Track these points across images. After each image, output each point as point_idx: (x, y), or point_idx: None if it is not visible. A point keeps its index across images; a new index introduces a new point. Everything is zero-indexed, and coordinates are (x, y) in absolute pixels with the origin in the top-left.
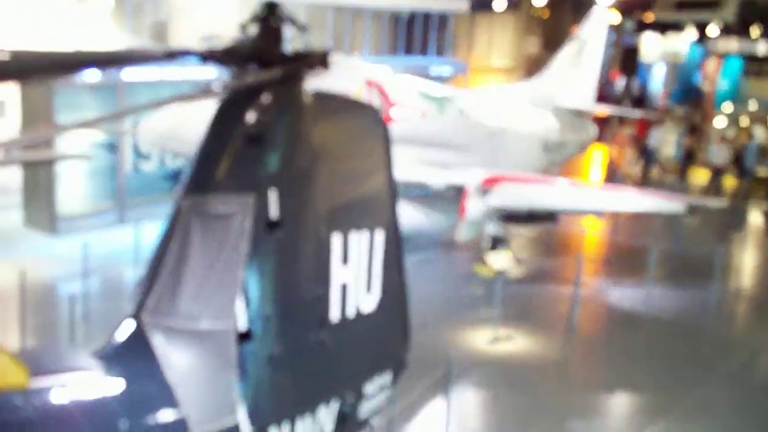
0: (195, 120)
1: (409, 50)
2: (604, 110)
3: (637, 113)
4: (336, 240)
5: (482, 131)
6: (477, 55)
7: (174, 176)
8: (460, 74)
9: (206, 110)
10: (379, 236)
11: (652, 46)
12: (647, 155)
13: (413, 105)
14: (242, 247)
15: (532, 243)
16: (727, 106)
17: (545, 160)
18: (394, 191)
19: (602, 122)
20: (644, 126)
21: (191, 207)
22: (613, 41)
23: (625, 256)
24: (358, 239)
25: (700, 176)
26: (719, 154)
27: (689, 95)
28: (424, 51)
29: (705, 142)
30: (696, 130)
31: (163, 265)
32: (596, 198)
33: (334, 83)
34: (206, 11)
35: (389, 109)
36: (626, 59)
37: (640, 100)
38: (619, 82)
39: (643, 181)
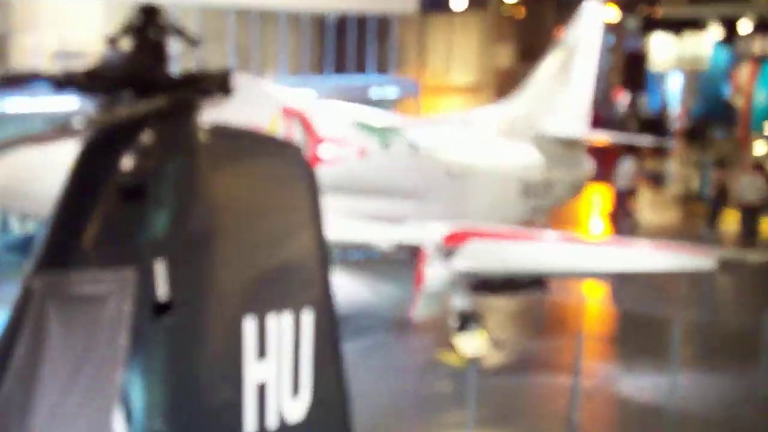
0: (50, 168)
1: (340, 67)
2: (604, 138)
3: (647, 140)
4: (249, 326)
5: (441, 172)
6: (432, 70)
7: (21, 246)
8: (410, 97)
9: (65, 155)
10: (308, 318)
11: (664, 51)
12: (618, 198)
13: (348, 140)
14: (120, 340)
15: (515, 319)
16: None
17: (527, 207)
18: (325, 256)
19: (602, 154)
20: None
21: (47, 287)
22: (612, 46)
23: (640, 333)
24: (280, 324)
25: (732, 219)
26: (752, 188)
27: (716, 113)
28: (360, 67)
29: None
30: (724, 162)
31: (7, 373)
32: (598, 255)
33: (239, 114)
34: (61, 19)
35: (316, 147)
36: (631, 69)
37: (652, 123)
38: (623, 100)
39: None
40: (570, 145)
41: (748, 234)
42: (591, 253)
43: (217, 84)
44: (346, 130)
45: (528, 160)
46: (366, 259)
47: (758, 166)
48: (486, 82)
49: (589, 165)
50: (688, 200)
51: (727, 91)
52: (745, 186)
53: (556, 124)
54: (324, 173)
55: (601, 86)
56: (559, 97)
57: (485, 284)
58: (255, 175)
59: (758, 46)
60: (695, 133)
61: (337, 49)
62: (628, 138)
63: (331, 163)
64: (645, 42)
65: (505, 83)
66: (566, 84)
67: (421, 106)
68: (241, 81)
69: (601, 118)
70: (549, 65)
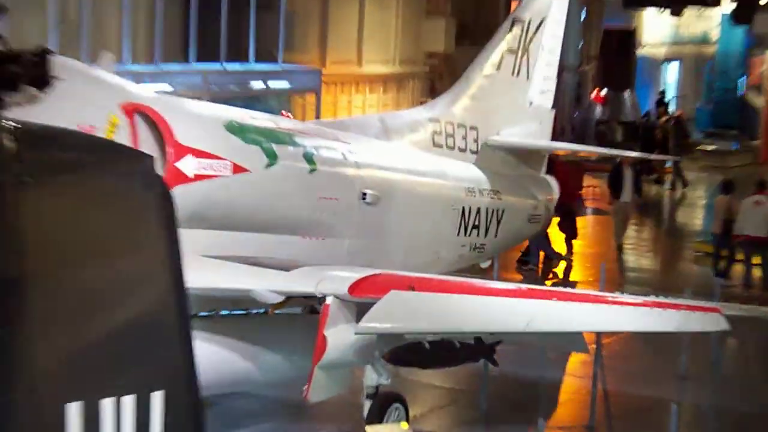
0: None
1: (209, 52)
2: (570, 149)
3: (633, 154)
4: (74, 416)
5: (350, 197)
6: (337, 55)
7: None
8: (308, 92)
9: None
10: (158, 402)
11: (658, 31)
12: (532, 249)
13: (218, 151)
14: None
15: (451, 403)
16: None
17: (468, 246)
18: (184, 314)
19: (571, 172)
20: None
21: None
22: (582, 23)
23: (628, 418)
24: (117, 411)
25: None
26: (753, 220)
27: (727, 115)
28: (237, 53)
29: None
30: (732, 185)
31: None
32: (568, 313)
33: (62, 111)
34: None
35: (172, 160)
36: (613, 55)
37: (641, 129)
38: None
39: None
40: (528, 159)
41: (746, 278)
42: (559, 309)
43: (31, 69)
44: (215, 137)
45: (470, 180)
46: (243, 317)
47: (762, 184)
48: (412, 73)
49: (554, 187)
50: (685, 237)
51: (742, 86)
52: (748, 214)
53: (508, 130)
54: (184, 196)
55: (571, 79)
56: (512, 93)
57: (409, 353)
58: (85, 198)
59: None
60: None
61: (202, 27)
62: (607, 150)
63: (195, 183)
64: (633, 19)
65: (440, 74)
66: (522, 76)
67: (322, 104)
68: (65, 66)
69: (574, 124)
70: (497, 51)
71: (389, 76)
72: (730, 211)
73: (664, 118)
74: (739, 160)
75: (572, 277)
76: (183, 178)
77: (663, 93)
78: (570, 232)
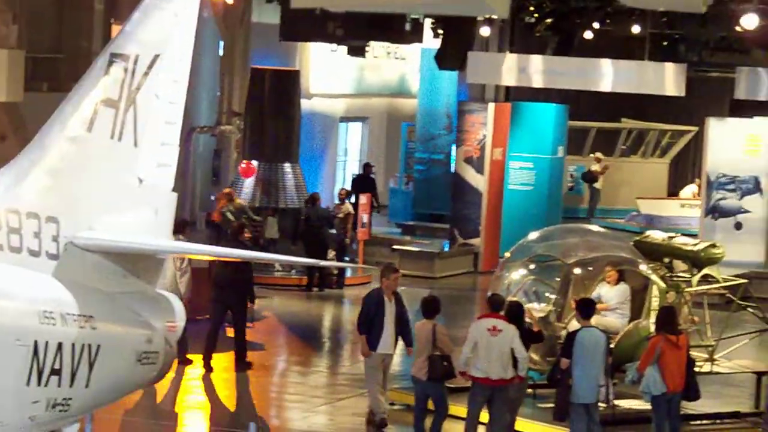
0: None
1: None
2: (206, 253)
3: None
4: None
5: None
6: None
7: None
8: None
9: None
10: None
11: (333, 77)
12: None
13: None
14: None
15: None
16: None
17: (43, 402)
18: None
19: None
20: None
21: None
22: (221, 61)
23: None
24: None
25: None
26: (488, 355)
27: (434, 201)
28: None
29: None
30: (433, 303)
31: None
32: None
33: None
34: None
35: None
36: (267, 110)
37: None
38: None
39: None
40: (138, 267)
41: None
42: None
43: None
44: None
45: (45, 300)
46: None
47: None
48: None
49: (177, 310)
50: None
51: (456, 157)
52: (482, 346)
53: (107, 222)
54: None
55: (204, 145)
56: (112, 166)
57: None
58: None
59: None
60: None
61: None
62: (261, 255)
63: None
64: (297, 57)
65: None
66: (127, 140)
67: None
68: None
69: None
70: (90, 101)
71: None
72: (436, 344)
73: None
74: (451, 267)
75: None
76: None
77: (368, 166)
78: None
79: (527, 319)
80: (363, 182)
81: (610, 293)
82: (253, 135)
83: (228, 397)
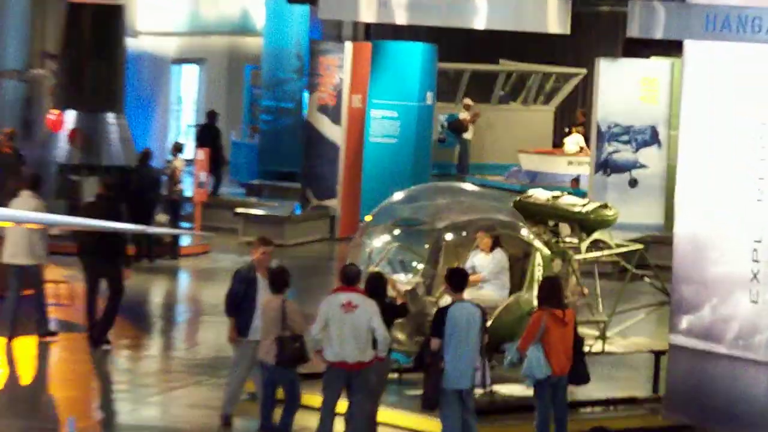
0: None
1: None
2: None
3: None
4: None
5: None
6: None
7: None
8: None
9: None
10: None
11: (164, 13)
12: None
13: None
14: None
15: None
16: None
17: None
18: None
19: None
20: None
21: None
22: None
23: None
24: None
25: None
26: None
27: (284, 156)
28: None
29: None
30: (281, 276)
31: None
32: None
33: None
34: None
35: None
36: (86, 51)
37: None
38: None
39: None
40: None
41: None
42: None
43: None
44: None
45: None
46: None
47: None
48: None
49: None
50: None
51: (309, 105)
52: (335, 321)
53: None
54: None
55: (13, 91)
56: None
57: None
58: None
59: None
60: None
61: None
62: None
63: None
64: None
65: None
66: None
67: None
68: None
69: None
70: None
71: None
72: (286, 322)
73: (178, 162)
74: (303, 233)
75: None
76: None
77: (213, 114)
78: None
79: (391, 293)
80: (209, 133)
81: (485, 262)
82: (70, 80)
83: (41, 387)
